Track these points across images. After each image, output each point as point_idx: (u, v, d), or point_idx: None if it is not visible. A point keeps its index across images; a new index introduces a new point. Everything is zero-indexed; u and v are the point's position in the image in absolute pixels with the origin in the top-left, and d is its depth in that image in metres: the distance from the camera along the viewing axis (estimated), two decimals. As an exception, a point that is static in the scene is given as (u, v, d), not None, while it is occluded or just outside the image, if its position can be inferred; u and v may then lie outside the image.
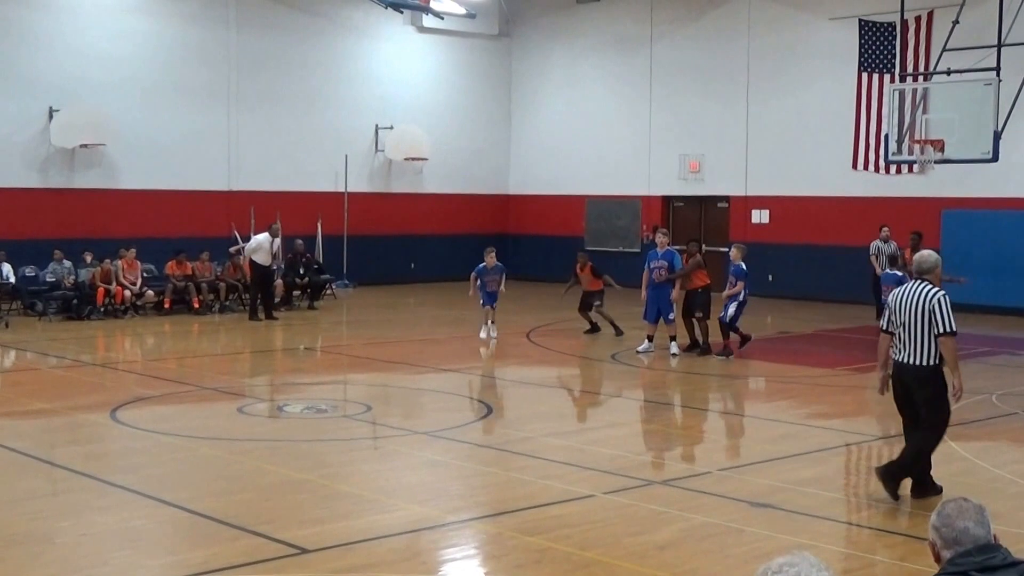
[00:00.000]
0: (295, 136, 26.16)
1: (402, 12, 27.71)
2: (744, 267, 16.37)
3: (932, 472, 8.74)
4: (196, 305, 21.61)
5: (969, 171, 21.07)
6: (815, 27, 24.72)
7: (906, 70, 21.70)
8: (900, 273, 17.86)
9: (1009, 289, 21.63)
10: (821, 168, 24.41)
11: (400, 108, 27.74)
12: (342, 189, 26.85)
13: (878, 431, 11.76)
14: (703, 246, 18.19)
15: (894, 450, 10.51)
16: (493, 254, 18.56)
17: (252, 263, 20.78)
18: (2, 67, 22.47)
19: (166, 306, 21.44)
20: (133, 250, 21.35)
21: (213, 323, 20.93)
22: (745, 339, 16.50)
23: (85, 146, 22.92)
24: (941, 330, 8.31)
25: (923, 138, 18.48)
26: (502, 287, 18.46)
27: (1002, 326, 20.28)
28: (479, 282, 18.28)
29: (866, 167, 23.67)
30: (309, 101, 26.46)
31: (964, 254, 21.26)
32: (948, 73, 19.36)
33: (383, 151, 27.66)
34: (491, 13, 29.46)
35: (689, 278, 16.72)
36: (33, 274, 21.12)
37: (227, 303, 22.30)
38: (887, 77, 22.37)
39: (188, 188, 24.64)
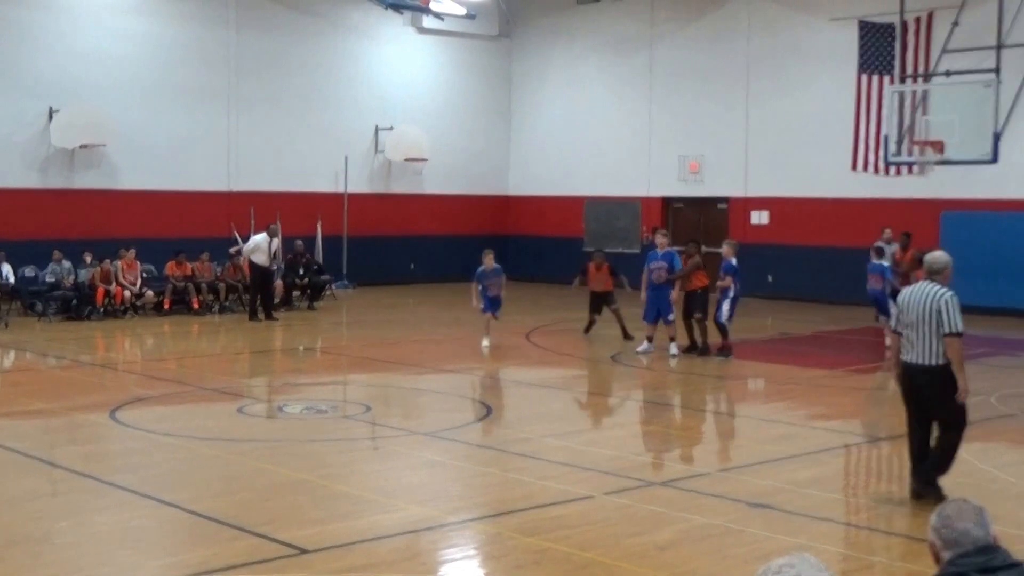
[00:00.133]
0: (295, 137, 26.16)
1: (402, 13, 27.71)
2: (735, 263, 16.45)
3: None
4: (196, 305, 21.62)
5: (969, 172, 21.07)
6: (815, 28, 24.70)
7: (906, 71, 21.71)
8: (885, 264, 17.92)
9: (1009, 290, 21.63)
10: (821, 169, 24.39)
11: (400, 109, 27.74)
12: (342, 190, 26.85)
13: (877, 432, 11.77)
14: (703, 247, 18.14)
15: (894, 450, 10.53)
16: (491, 256, 17.80)
17: (251, 264, 20.80)
18: (2, 67, 22.46)
19: (166, 306, 21.45)
20: (133, 250, 21.37)
21: (213, 324, 20.93)
22: (727, 347, 16.46)
23: (85, 146, 22.90)
24: (948, 330, 8.33)
25: (923, 139, 18.49)
26: (503, 291, 17.63)
27: (1002, 327, 20.26)
28: (480, 287, 17.55)
29: (865, 168, 23.64)
30: (309, 102, 26.46)
31: (964, 255, 21.19)
32: (948, 74, 19.38)
33: (383, 152, 27.65)
34: (491, 14, 29.46)
35: (688, 279, 16.73)
36: (33, 274, 21.13)
37: (227, 304, 22.31)
38: (887, 78, 22.36)
39: (188, 188, 24.64)
